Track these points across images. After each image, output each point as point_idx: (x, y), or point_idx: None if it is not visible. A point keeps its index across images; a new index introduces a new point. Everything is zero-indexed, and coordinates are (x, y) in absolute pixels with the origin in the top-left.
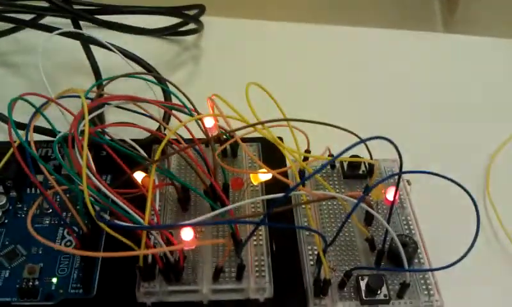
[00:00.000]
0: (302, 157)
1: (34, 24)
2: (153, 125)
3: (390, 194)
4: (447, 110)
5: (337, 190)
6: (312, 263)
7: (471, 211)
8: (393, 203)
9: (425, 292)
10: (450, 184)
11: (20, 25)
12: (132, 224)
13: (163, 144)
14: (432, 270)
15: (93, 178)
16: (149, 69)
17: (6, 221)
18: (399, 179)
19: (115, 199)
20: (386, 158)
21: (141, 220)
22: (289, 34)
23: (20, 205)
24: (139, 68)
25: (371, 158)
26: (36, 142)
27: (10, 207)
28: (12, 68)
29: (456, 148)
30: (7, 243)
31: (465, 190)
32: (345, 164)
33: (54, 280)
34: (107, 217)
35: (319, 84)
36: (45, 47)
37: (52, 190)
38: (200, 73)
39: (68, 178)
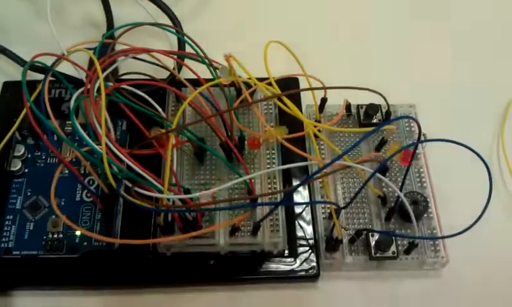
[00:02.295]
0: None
1: None
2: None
3: (405, 157)
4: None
5: (352, 139)
6: (324, 217)
7: (483, 169)
8: (406, 170)
9: (432, 249)
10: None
11: None
12: (152, 194)
13: (182, 108)
14: (443, 237)
15: (112, 146)
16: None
17: (26, 170)
18: (415, 149)
19: (134, 167)
20: (402, 104)
21: (161, 188)
22: None
23: (38, 153)
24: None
25: (388, 107)
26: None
27: (29, 155)
28: None
29: (469, 99)
30: (29, 194)
31: (481, 158)
32: (361, 111)
33: (78, 233)
34: (129, 184)
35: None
36: None
37: (70, 155)
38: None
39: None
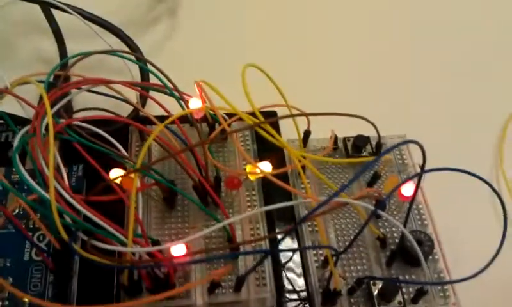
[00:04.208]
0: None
1: None
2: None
3: (406, 190)
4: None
5: (340, 175)
6: (317, 265)
7: (484, 198)
8: (411, 204)
9: (441, 294)
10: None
11: None
12: (113, 247)
13: (147, 144)
14: (453, 282)
15: (64, 193)
16: (125, 41)
17: None
18: (419, 179)
19: (92, 216)
20: (392, 135)
21: (124, 240)
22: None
23: None
24: (102, 32)
25: (379, 139)
26: None
27: None
28: None
29: (467, 120)
30: None
31: (492, 188)
32: (349, 144)
33: (26, 300)
34: (84, 237)
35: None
36: None
37: (14, 205)
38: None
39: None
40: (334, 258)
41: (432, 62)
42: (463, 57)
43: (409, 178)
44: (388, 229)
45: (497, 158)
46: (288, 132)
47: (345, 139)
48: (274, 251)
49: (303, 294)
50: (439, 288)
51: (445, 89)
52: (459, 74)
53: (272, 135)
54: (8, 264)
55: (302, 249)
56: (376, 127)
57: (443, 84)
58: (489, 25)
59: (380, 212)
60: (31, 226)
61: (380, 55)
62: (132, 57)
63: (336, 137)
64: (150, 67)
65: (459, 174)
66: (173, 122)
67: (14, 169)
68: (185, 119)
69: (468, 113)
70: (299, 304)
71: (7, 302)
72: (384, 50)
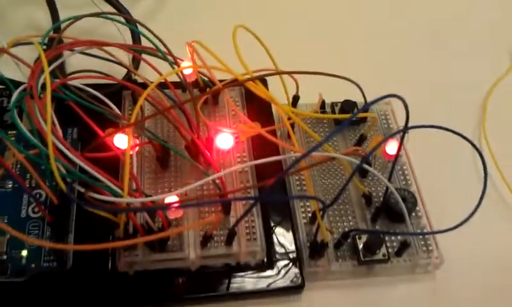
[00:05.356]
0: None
1: None
2: (122, 69)
3: (390, 148)
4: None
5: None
6: (305, 221)
7: (467, 159)
8: (395, 160)
9: (424, 248)
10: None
11: None
12: (111, 198)
13: (141, 101)
14: (436, 232)
15: (60, 145)
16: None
17: None
18: (403, 135)
19: (88, 169)
20: (378, 101)
21: (120, 192)
22: None
23: None
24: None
25: (366, 103)
26: None
27: None
28: None
29: (450, 87)
30: None
31: (476, 148)
32: (336, 109)
33: (24, 253)
34: (81, 189)
35: (311, 25)
36: None
37: (13, 159)
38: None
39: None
40: (321, 213)
41: (419, 30)
42: (447, 23)
43: (392, 134)
44: (373, 188)
45: (480, 118)
46: (278, 97)
47: (333, 104)
48: (262, 198)
49: (292, 249)
50: (422, 242)
51: (432, 56)
52: (445, 41)
53: (261, 95)
54: (6, 221)
55: (290, 198)
56: (361, 89)
57: (429, 52)
58: None
59: (365, 166)
60: (27, 185)
61: (367, 24)
62: (122, 20)
63: (323, 102)
64: (141, 29)
65: (443, 135)
66: (167, 87)
67: (11, 132)
68: (178, 85)
69: (453, 80)
70: (288, 259)
71: (5, 257)
72: (372, 19)
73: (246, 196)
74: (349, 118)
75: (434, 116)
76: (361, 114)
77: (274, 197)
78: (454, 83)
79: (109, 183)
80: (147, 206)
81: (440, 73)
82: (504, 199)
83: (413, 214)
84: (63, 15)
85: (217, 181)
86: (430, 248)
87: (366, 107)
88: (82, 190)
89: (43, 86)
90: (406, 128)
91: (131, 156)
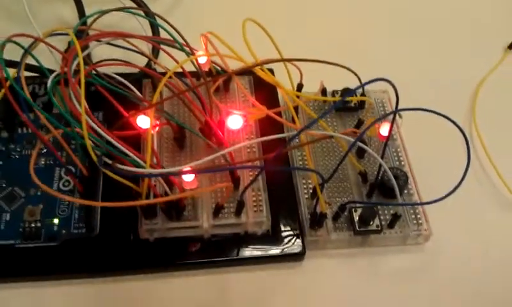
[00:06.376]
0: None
1: None
2: (142, 59)
3: (383, 130)
4: (431, 41)
5: (329, 124)
6: (306, 196)
7: (458, 143)
8: (387, 139)
9: (414, 222)
10: (437, 117)
11: None
12: (135, 169)
13: (161, 85)
14: (423, 204)
15: (92, 123)
16: (137, 3)
17: (1, 163)
18: (394, 117)
19: (116, 143)
20: (375, 89)
21: (143, 163)
22: None
23: (12, 146)
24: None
25: (363, 92)
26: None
27: (3, 148)
28: None
29: (442, 79)
30: (4, 185)
31: (459, 127)
32: (337, 96)
33: (56, 221)
34: (108, 161)
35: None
36: None
37: (49, 135)
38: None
39: (60, 118)
40: (320, 187)
41: (416, 23)
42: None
43: (385, 115)
44: (369, 168)
45: (472, 104)
46: (284, 84)
47: (333, 92)
48: (267, 167)
49: (295, 220)
50: (413, 216)
51: (428, 49)
52: (440, 32)
53: (268, 80)
54: (39, 193)
55: (292, 169)
56: (359, 77)
57: (426, 44)
58: None
59: (360, 144)
60: (58, 163)
61: (367, 21)
62: (142, 14)
63: (325, 89)
64: (159, 21)
65: (435, 120)
66: (184, 76)
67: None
68: (194, 74)
69: (448, 69)
70: (291, 229)
71: (39, 224)
72: (372, 17)
73: (252, 165)
74: (345, 95)
75: (428, 103)
76: (358, 98)
77: (277, 168)
78: (448, 72)
79: (134, 156)
80: (165, 172)
81: (436, 63)
82: (492, 181)
83: (405, 191)
84: (88, 11)
85: (227, 156)
86: (420, 221)
87: (359, 86)
88: (110, 162)
89: (75, 73)
90: (396, 110)
91: (152, 135)
